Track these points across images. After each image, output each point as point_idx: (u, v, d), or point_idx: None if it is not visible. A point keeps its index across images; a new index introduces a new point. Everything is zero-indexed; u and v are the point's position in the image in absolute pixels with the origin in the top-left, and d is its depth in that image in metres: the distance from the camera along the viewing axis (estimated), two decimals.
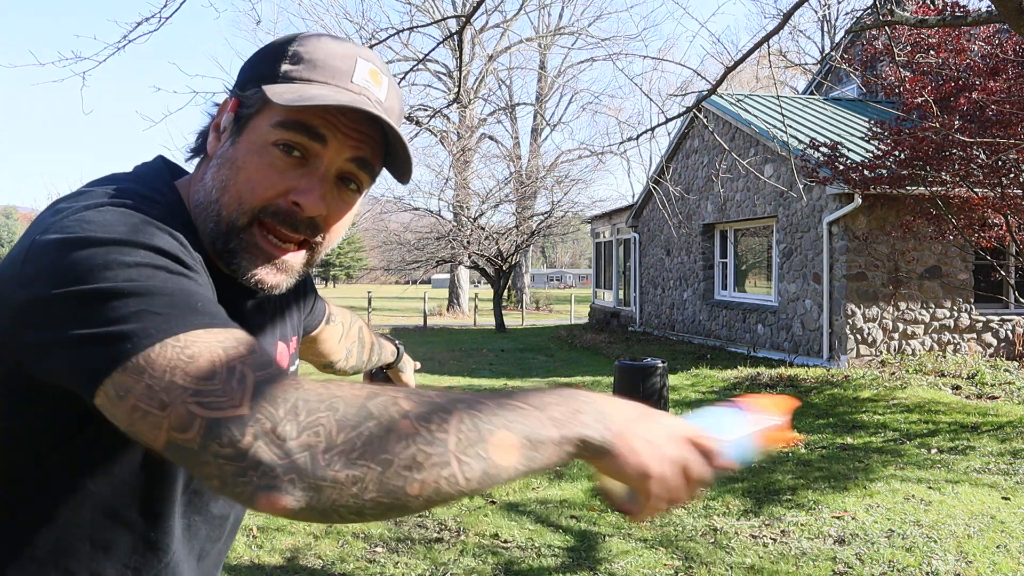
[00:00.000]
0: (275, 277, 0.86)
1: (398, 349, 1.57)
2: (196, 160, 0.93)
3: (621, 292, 18.73)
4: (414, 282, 33.48)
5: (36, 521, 0.77)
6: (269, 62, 0.86)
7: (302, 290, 1.13)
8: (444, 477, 0.61)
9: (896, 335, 9.85)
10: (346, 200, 0.88)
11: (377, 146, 0.87)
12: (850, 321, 9.72)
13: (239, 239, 0.83)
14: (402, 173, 0.90)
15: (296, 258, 0.87)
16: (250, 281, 0.85)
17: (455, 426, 0.62)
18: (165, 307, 0.67)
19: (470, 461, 0.61)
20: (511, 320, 23.04)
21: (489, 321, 22.05)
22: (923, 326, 9.94)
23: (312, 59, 0.85)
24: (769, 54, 5.67)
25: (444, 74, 27.49)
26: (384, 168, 0.91)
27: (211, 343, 0.66)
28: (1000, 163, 7.46)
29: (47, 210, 0.79)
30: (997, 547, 4.09)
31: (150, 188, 0.84)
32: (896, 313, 9.84)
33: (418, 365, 1.67)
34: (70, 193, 0.82)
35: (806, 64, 27.06)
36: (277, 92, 0.81)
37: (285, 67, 0.85)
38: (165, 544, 0.84)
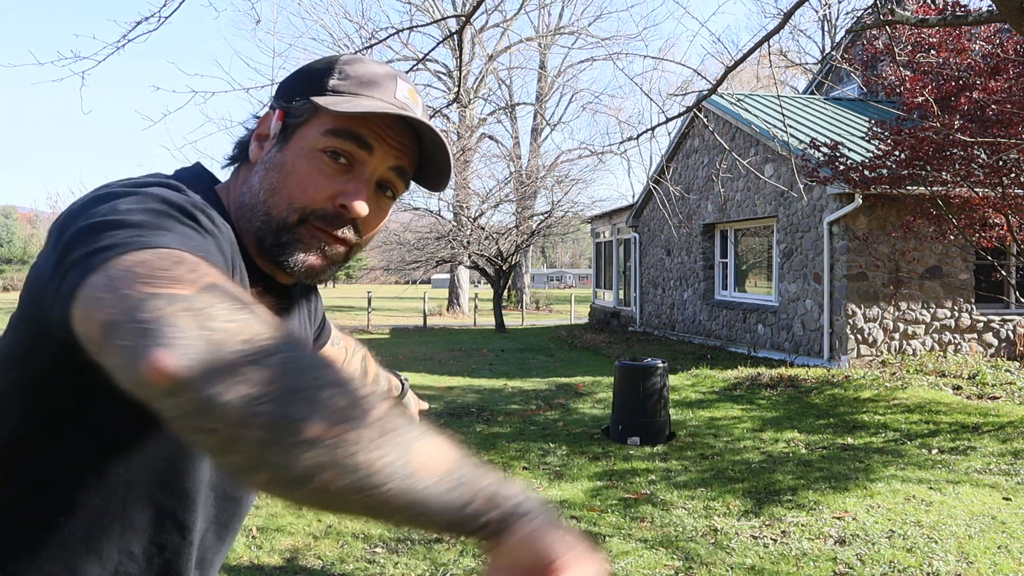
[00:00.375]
0: (321, 263, 0.92)
1: (403, 384, 1.55)
2: (231, 168, 1.00)
3: (621, 292, 18.72)
4: (414, 282, 33.45)
5: (69, 504, 0.79)
6: (317, 78, 0.94)
7: (314, 303, 1.17)
8: (350, 456, 0.54)
9: (897, 335, 9.84)
10: (383, 206, 0.96)
11: (414, 157, 0.96)
12: (851, 321, 9.71)
13: (291, 233, 0.90)
14: (438, 182, 0.98)
15: (340, 249, 0.93)
16: (299, 268, 0.91)
17: (389, 420, 0.57)
18: (163, 232, 0.68)
19: (390, 451, 0.55)
20: (511, 320, 23.03)
21: (489, 321, 22.04)
22: (924, 326, 9.92)
23: (358, 76, 0.93)
24: (769, 54, 5.66)
25: (444, 74, 27.47)
26: (415, 180, 0.99)
27: (193, 259, 0.65)
28: (1001, 163, 7.45)
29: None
30: (998, 548, 4.08)
31: (191, 187, 0.89)
32: (897, 313, 9.83)
33: (424, 405, 1.60)
34: None
35: (806, 64, 27.06)
36: (331, 102, 0.89)
37: (333, 82, 0.93)
38: (191, 522, 0.88)
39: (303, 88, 0.93)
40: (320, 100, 0.89)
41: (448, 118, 24.28)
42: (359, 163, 0.91)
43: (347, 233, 0.92)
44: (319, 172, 0.89)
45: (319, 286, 1.16)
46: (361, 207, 0.90)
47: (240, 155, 0.98)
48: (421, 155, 0.97)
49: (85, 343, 0.63)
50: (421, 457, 0.57)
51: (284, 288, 0.99)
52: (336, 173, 0.90)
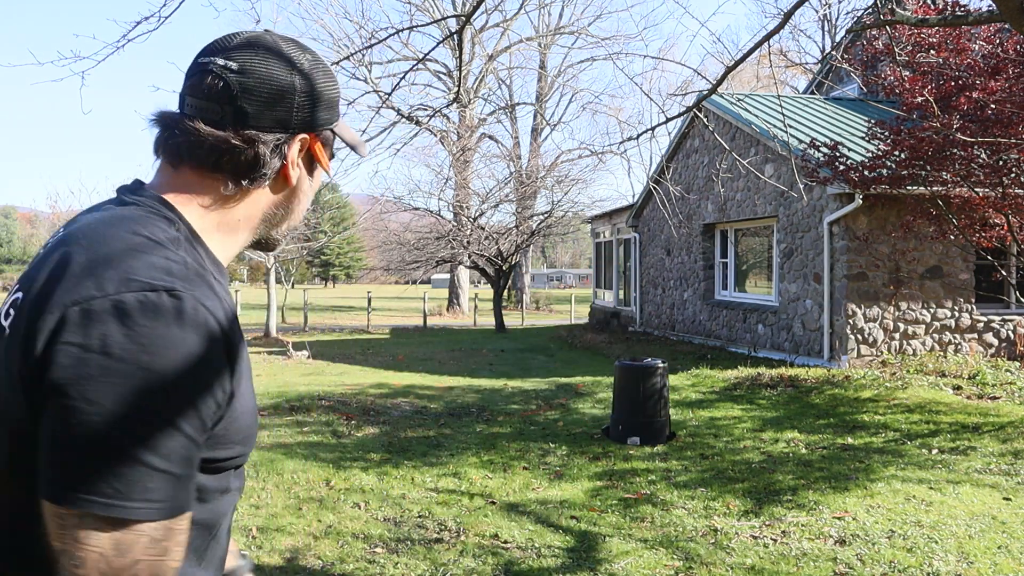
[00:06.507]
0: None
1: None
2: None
3: (621, 292, 18.72)
4: (414, 282, 33.44)
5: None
6: (327, 104, 1.01)
7: None
8: None
9: (897, 335, 9.84)
10: None
11: None
12: (851, 321, 9.71)
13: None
14: None
15: None
16: (279, 246, 1.11)
17: None
18: (162, 496, 0.78)
19: None
20: (511, 320, 23.02)
21: (489, 321, 22.03)
22: (924, 326, 9.92)
23: (330, 99, 1.01)
24: (770, 53, 5.65)
25: (444, 74, 27.46)
26: (337, 135, 1.06)
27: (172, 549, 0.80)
28: (1001, 162, 7.44)
29: (107, 226, 0.86)
30: (998, 548, 4.08)
31: (170, 226, 0.92)
32: (897, 313, 9.83)
33: None
34: (121, 214, 0.89)
35: (806, 64, 27.05)
36: (350, 140, 1.07)
37: (326, 114, 1.02)
38: (220, 525, 0.98)
39: (323, 116, 1.00)
40: (339, 131, 1.05)
41: (448, 118, 24.29)
42: None
43: None
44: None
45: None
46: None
47: (217, 162, 0.93)
48: None
49: (49, 527, 0.76)
50: None
51: None
52: None
